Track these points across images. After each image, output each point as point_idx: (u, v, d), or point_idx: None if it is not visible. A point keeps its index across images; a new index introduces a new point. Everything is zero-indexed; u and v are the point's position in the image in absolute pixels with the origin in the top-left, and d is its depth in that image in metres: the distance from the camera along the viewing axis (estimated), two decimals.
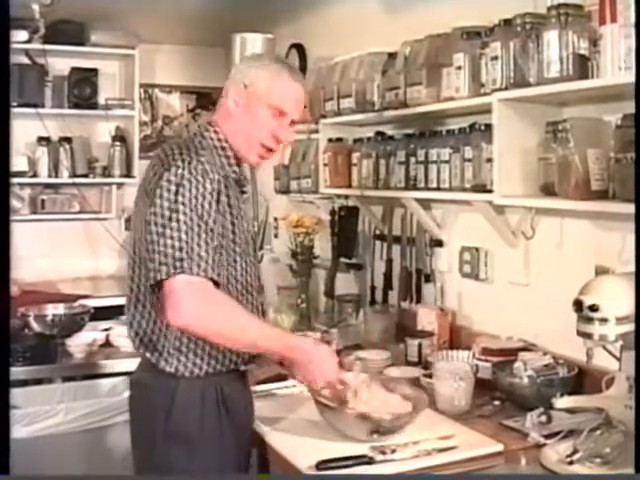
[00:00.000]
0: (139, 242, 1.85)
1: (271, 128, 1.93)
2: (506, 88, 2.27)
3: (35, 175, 4.48)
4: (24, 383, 2.88)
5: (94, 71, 4.61)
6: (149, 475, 1.94)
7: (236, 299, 1.88)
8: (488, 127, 2.40)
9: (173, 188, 1.75)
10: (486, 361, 2.38)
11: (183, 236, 1.72)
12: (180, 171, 1.77)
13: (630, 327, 1.73)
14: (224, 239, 1.84)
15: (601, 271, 2.09)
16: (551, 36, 2.05)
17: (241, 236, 1.90)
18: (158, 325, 1.87)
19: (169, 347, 1.86)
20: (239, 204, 1.92)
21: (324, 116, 3.37)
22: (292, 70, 2.01)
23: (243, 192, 1.99)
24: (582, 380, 2.21)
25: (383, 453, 1.83)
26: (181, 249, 1.71)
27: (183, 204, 1.74)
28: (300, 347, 1.90)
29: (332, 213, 3.57)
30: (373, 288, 3.38)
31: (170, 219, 1.73)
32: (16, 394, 2.57)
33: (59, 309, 3.23)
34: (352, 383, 2.00)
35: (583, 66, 2.02)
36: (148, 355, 1.89)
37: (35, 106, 4.36)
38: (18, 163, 4.31)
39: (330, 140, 3.34)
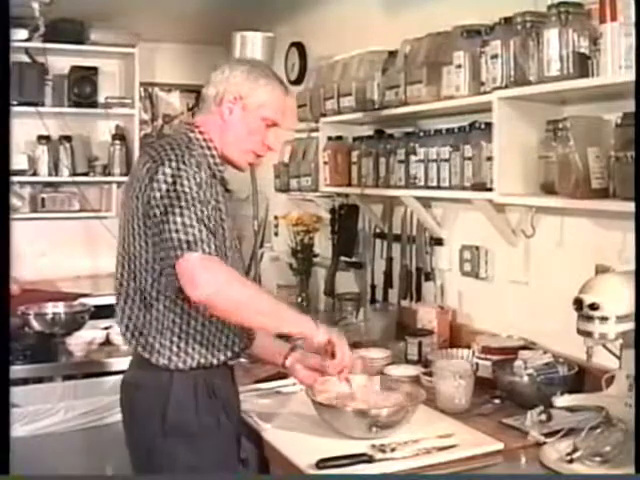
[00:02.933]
0: (128, 239, 1.88)
1: (263, 138, 2.02)
2: (506, 86, 2.27)
3: (35, 174, 4.48)
4: (24, 381, 2.88)
5: (94, 70, 4.61)
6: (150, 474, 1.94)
7: None
8: (488, 125, 2.40)
9: (170, 180, 1.78)
10: (486, 359, 2.38)
11: (187, 221, 1.75)
12: (174, 164, 1.80)
13: (630, 325, 1.73)
14: (217, 232, 1.86)
15: (601, 270, 2.09)
16: (551, 34, 2.05)
17: (228, 233, 1.94)
18: (148, 319, 1.88)
19: (160, 339, 1.87)
20: (225, 202, 1.95)
21: (324, 115, 3.37)
22: (282, 83, 2.09)
23: (227, 191, 2.02)
24: (582, 379, 2.21)
25: (383, 451, 1.83)
26: (186, 233, 1.74)
27: (183, 192, 1.77)
28: (311, 323, 1.92)
29: (332, 211, 3.57)
30: (373, 287, 3.38)
31: (172, 206, 1.76)
32: (16, 392, 2.56)
33: (59, 307, 3.23)
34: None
35: (583, 64, 2.01)
36: (140, 350, 1.90)
37: (35, 105, 4.36)
38: (18, 162, 4.31)
39: (330, 138, 3.34)
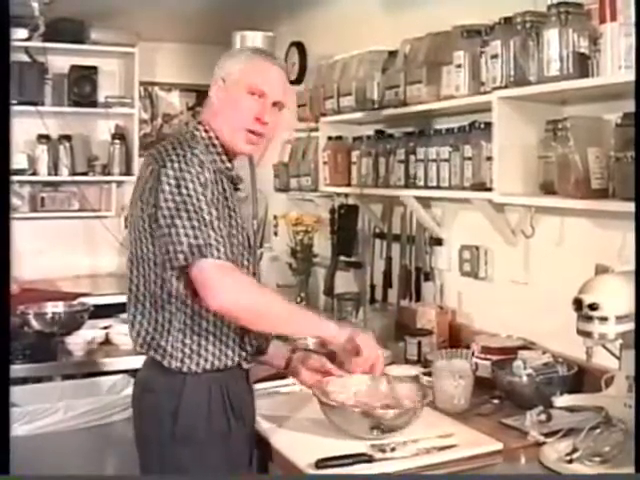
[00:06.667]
0: (136, 242, 1.86)
1: (254, 112, 1.93)
2: (506, 86, 2.27)
3: (35, 173, 4.49)
4: (24, 381, 2.88)
5: (94, 69, 4.61)
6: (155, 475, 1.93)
7: None
8: (488, 125, 2.40)
9: (173, 182, 1.76)
10: (485, 359, 2.38)
11: (195, 223, 1.73)
12: (177, 165, 1.77)
13: (630, 326, 1.73)
14: (227, 231, 1.84)
15: (601, 270, 2.08)
16: (551, 34, 2.05)
17: (238, 230, 1.91)
18: (160, 322, 1.85)
19: (173, 342, 1.84)
20: (233, 200, 1.92)
21: (324, 114, 3.37)
22: (266, 54, 2.04)
23: (237, 189, 1.99)
24: (582, 379, 2.21)
25: (383, 451, 1.83)
26: (196, 237, 1.72)
27: (188, 195, 1.75)
28: (329, 325, 1.91)
29: (332, 211, 3.57)
30: (373, 286, 3.38)
31: (178, 210, 1.73)
32: (16, 392, 2.56)
33: (59, 307, 3.23)
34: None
35: (583, 64, 2.02)
36: (152, 353, 1.87)
37: (35, 104, 4.36)
38: (18, 161, 4.32)
39: (330, 138, 3.34)
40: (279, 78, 1.99)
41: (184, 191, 1.75)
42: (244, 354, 1.92)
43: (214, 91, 1.97)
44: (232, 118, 1.93)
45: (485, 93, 2.35)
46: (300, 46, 4.13)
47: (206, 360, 1.86)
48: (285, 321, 1.85)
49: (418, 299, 3.06)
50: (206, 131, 1.94)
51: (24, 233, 4.26)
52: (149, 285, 1.85)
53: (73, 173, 4.58)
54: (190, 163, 1.78)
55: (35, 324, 3.07)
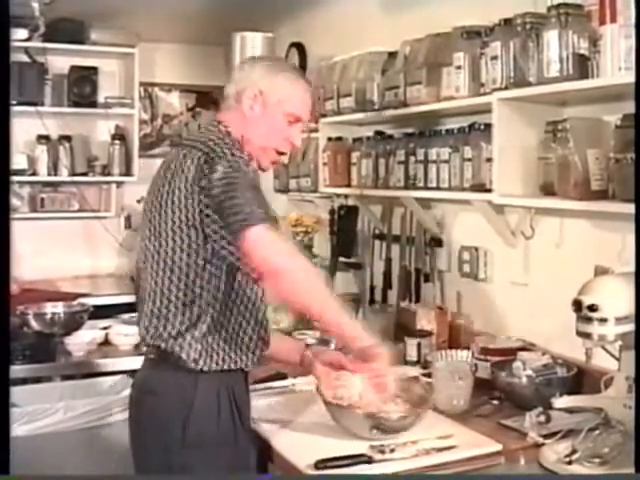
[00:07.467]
0: (164, 237, 1.83)
1: (287, 134, 1.98)
2: (506, 88, 2.27)
3: (34, 173, 4.49)
4: (23, 381, 2.87)
5: (94, 69, 4.61)
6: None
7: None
8: (488, 127, 2.40)
9: (225, 180, 1.76)
10: (485, 361, 2.39)
11: (247, 202, 1.75)
12: (226, 161, 1.79)
13: (629, 327, 1.73)
14: None
15: (600, 271, 2.09)
16: (551, 36, 2.05)
17: None
18: (186, 318, 1.83)
19: (190, 338, 1.82)
20: None
21: (324, 115, 3.37)
22: (304, 77, 2.07)
23: None
24: (581, 380, 2.21)
25: (382, 452, 1.83)
26: (247, 211, 1.74)
27: (246, 179, 1.79)
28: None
29: (331, 212, 3.57)
30: (372, 287, 3.38)
31: (234, 190, 1.75)
32: (15, 392, 2.55)
33: (58, 307, 3.23)
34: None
35: (583, 66, 2.02)
36: (169, 348, 1.83)
37: (35, 104, 4.36)
38: (18, 161, 4.31)
39: (330, 139, 3.34)
40: (311, 102, 2.05)
41: (233, 183, 1.77)
42: (252, 356, 1.91)
43: (248, 100, 1.95)
44: (266, 137, 1.96)
45: (485, 94, 2.36)
46: (300, 47, 4.13)
47: (218, 355, 1.84)
48: (321, 296, 1.79)
49: (418, 300, 3.06)
50: (228, 133, 1.92)
51: (24, 233, 4.25)
52: (176, 280, 1.83)
53: (73, 174, 4.58)
54: (239, 161, 1.82)
55: (35, 324, 3.06)
